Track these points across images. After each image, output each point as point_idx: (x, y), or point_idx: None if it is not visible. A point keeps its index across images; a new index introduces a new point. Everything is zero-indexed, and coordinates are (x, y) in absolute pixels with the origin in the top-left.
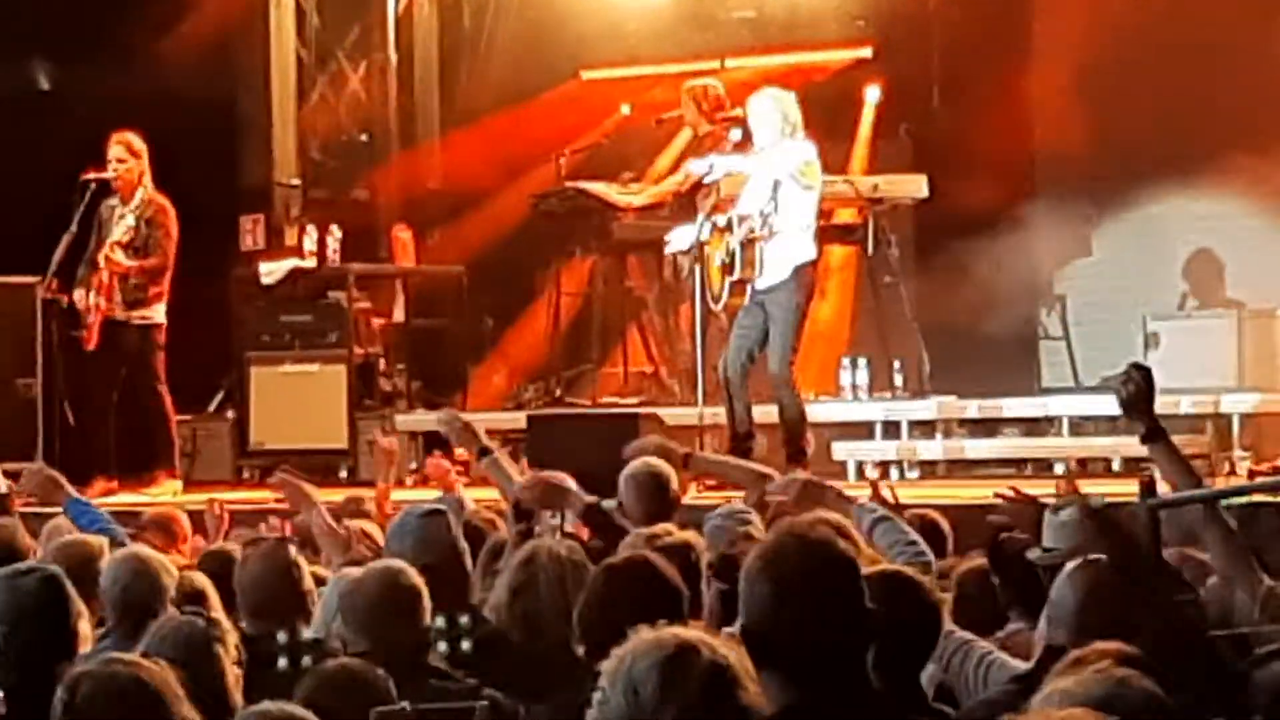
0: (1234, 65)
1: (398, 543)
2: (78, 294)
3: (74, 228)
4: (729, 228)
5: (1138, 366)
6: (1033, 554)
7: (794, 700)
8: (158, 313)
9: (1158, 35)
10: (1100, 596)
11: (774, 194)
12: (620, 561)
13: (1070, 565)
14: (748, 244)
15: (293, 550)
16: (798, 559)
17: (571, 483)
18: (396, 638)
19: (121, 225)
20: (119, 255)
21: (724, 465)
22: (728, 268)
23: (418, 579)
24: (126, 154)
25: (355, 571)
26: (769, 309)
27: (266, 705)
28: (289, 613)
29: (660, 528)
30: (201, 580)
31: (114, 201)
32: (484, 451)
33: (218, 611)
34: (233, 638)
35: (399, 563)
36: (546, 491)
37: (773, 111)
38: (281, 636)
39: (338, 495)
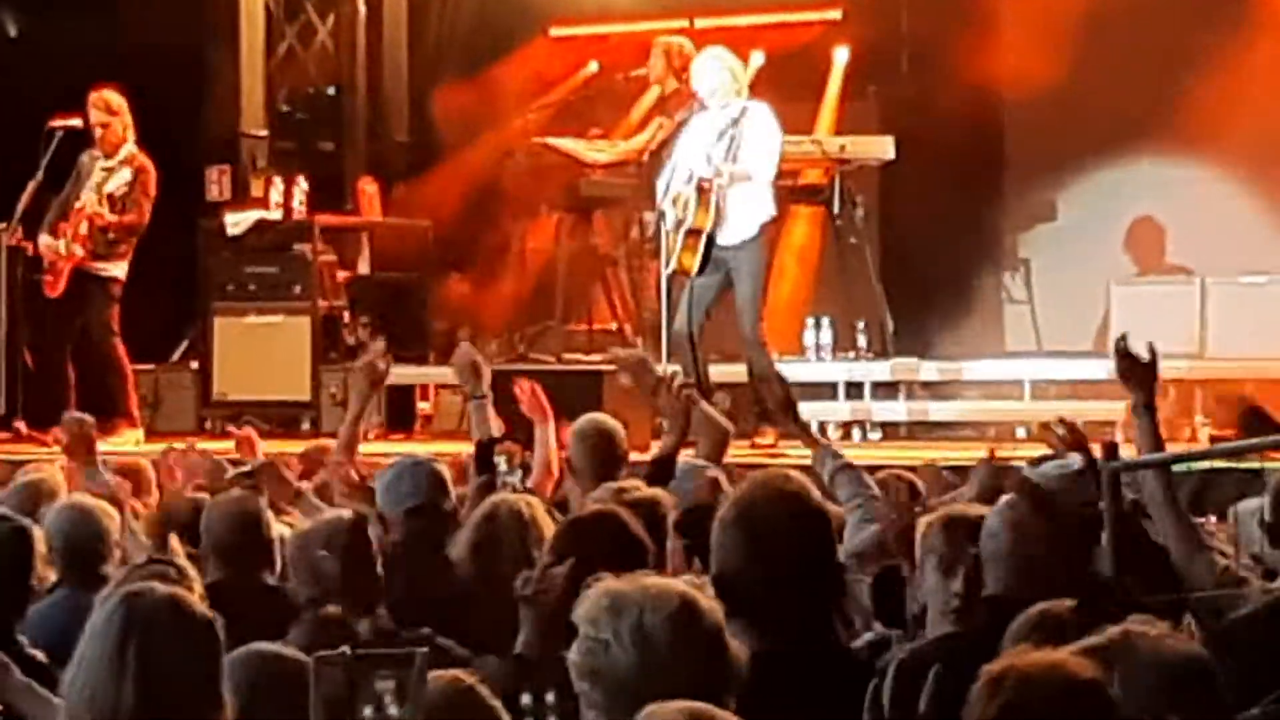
0: (1202, 30)
1: (398, 484)
2: (44, 239)
3: (40, 175)
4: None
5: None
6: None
7: (761, 648)
8: (120, 268)
9: (1127, 5)
10: (1029, 539)
11: (729, 148)
12: (587, 515)
13: (998, 506)
14: (701, 193)
15: (261, 500)
16: (770, 509)
17: None
18: (349, 588)
19: (116, 179)
20: (104, 209)
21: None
22: (681, 222)
23: (370, 532)
24: (105, 114)
25: (307, 523)
26: (733, 266)
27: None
28: (254, 561)
29: (629, 482)
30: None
31: (96, 153)
32: (478, 395)
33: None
34: (198, 587)
35: (349, 513)
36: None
37: (720, 70)
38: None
39: (300, 446)
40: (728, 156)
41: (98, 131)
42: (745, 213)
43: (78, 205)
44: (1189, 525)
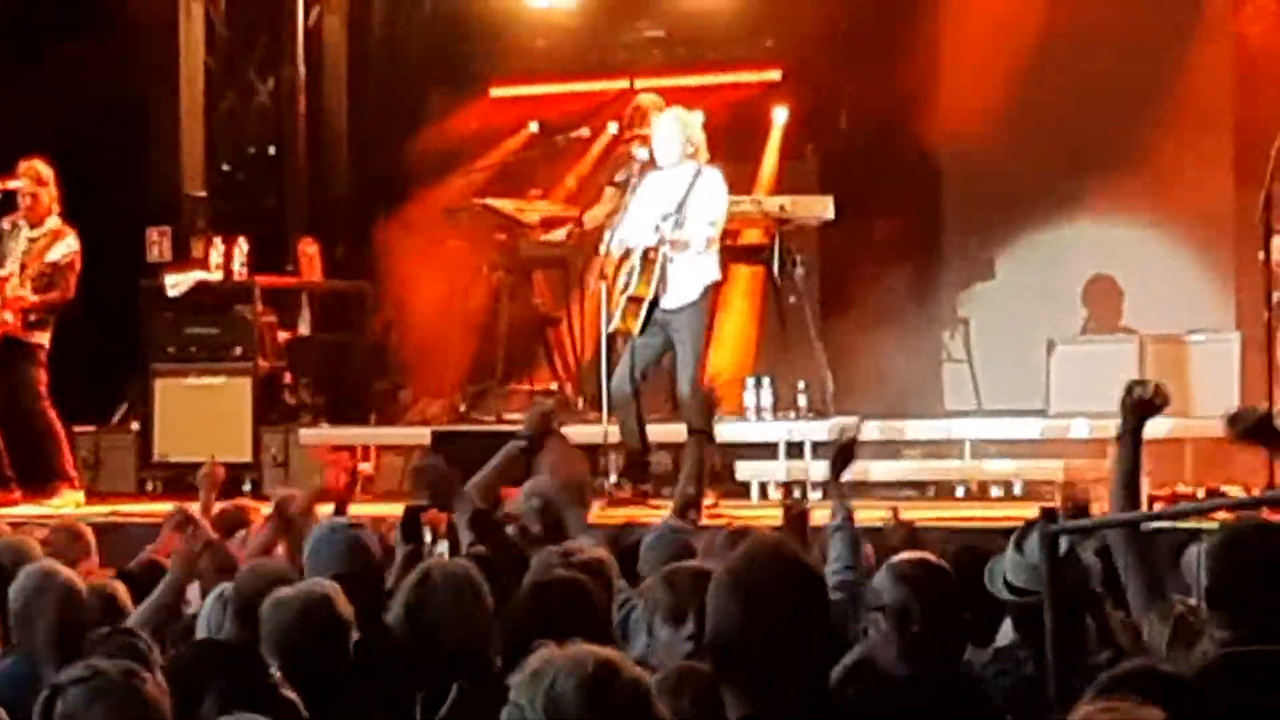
0: (1136, 95)
1: (320, 552)
2: None
3: None
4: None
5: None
6: (996, 587)
7: (753, 711)
8: (45, 337)
9: (1064, 65)
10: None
11: (678, 212)
12: (549, 580)
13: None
14: (646, 261)
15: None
16: (768, 573)
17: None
18: (317, 660)
19: (62, 247)
20: (26, 291)
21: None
22: (625, 286)
23: (345, 605)
24: (34, 184)
25: (284, 591)
26: (674, 330)
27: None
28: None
29: (574, 544)
30: (119, 590)
31: (19, 220)
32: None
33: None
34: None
35: (327, 585)
36: (440, 479)
37: (676, 132)
38: None
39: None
40: (675, 221)
41: (26, 200)
42: (690, 276)
43: (1, 273)
44: (1151, 573)
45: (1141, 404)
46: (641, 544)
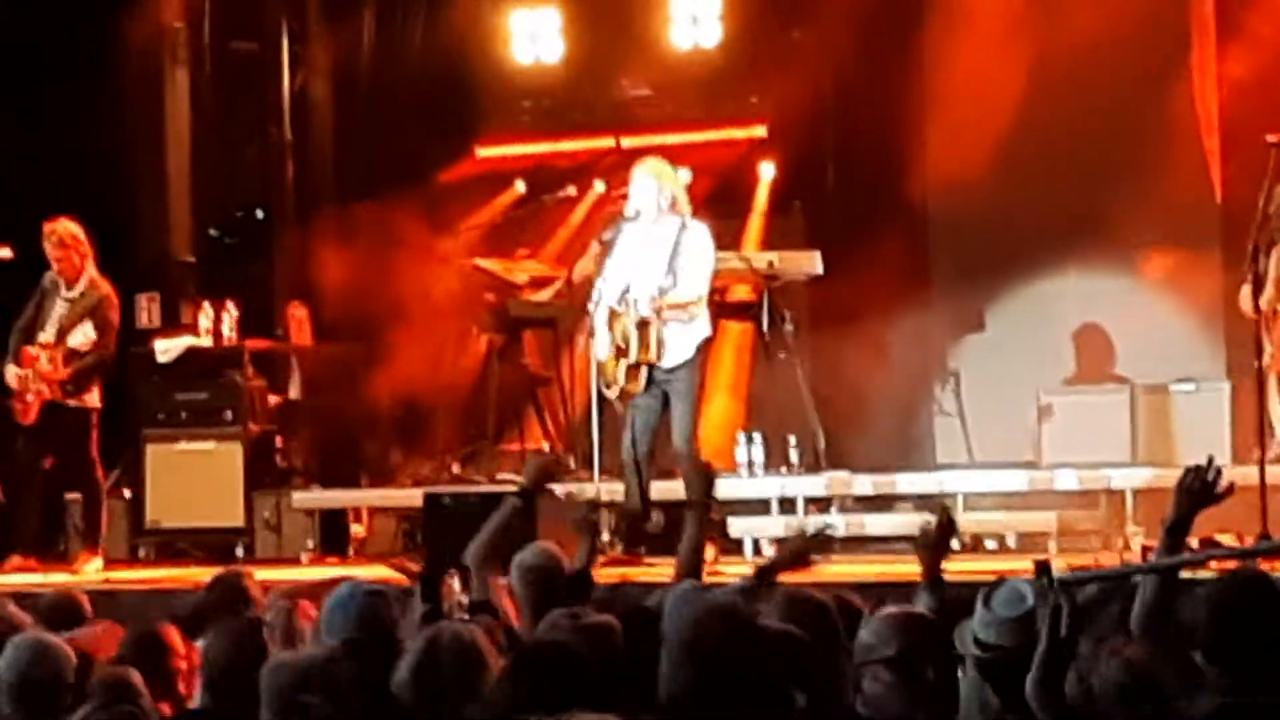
0: (1124, 146)
1: (336, 613)
2: (10, 370)
3: None
4: (624, 309)
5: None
6: (966, 646)
7: None
8: (93, 397)
9: (1050, 117)
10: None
11: (669, 274)
12: (533, 644)
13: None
14: (642, 328)
15: (264, 632)
16: (718, 639)
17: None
18: None
19: (80, 330)
20: (59, 365)
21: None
22: (622, 351)
23: (349, 669)
24: (58, 249)
25: (284, 655)
26: (671, 387)
27: None
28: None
29: (582, 608)
30: (131, 675)
31: (57, 278)
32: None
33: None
34: None
35: (332, 648)
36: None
37: (652, 185)
38: None
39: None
40: (669, 284)
41: (55, 265)
42: (684, 335)
43: (42, 337)
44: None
45: (1201, 492)
46: (665, 603)
